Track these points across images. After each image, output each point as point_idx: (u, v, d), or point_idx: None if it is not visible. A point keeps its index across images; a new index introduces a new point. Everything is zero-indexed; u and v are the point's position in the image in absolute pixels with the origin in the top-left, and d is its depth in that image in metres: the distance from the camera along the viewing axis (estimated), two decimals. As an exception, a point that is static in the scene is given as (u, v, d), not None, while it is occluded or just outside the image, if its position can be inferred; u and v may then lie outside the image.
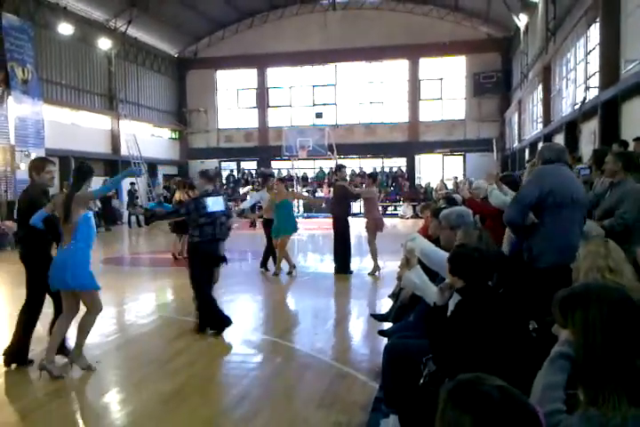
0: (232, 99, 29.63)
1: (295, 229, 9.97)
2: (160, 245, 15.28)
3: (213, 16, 26.69)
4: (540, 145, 13.03)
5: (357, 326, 6.76)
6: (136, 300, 8.30)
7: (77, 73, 22.14)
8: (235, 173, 29.35)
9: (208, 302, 6.02)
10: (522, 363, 2.30)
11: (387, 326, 5.04)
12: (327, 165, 26.61)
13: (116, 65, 24.13)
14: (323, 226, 18.14)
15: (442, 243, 3.92)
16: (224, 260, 6.83)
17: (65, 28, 20.14)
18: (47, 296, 5.07)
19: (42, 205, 4.81)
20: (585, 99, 13.20)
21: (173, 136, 29.59)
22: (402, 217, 24.14)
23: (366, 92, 28.02)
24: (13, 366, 4.93)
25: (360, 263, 10.73)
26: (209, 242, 5.96)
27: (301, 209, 25.11)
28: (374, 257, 9.72)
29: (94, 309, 4.85)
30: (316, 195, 25.70)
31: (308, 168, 28.31)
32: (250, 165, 29.69)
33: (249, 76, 29.25)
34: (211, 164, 29.23)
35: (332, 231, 10.15)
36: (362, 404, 4.06)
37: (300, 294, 8.75)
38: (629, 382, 1.53)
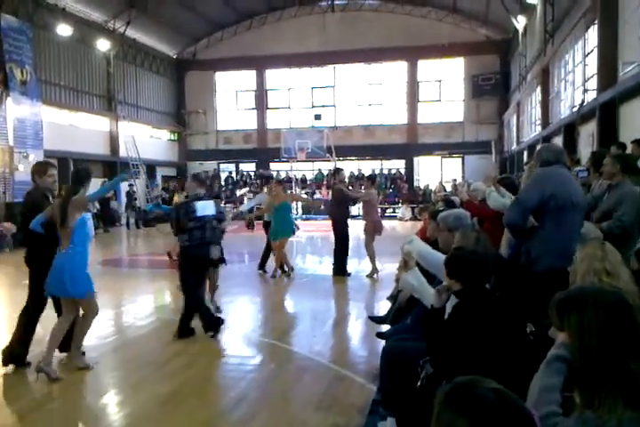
0: (231, 100, 29.64)
1: (293, 231, 9.97)
2: (158, 246, 15.26)
3: (212, 17, 26.72)
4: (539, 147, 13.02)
5: (355, 329, 6.75)
6: (134, 302, 8.30)
7: (76, 74, 22.15)
8: (233, 174, 29.35)
9: (198, 305, 6.00)
10: (519, 366, 2.30)
11: (385, 328, 5.04)
12: (326, 166, 26.62)
13: (114, 66, 24.13)
14: (321, 228, 18.14)
15: (440, 245, 3.93)
16: (222, 261, 6.83)
17: (64, 29, 20.14)
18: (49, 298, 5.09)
19: (42, 209, 4.85)
20: (583, 101, 13.23)
21: (172, 138, 29.60)
22: (400, 219, 24.15)
23: (365, 94, 28.05)
24: (11, 366, 4.93)
25: (358, 266, 10.73)
26: (198, 246, 5.94)
27: (300, 211, 25.12)
28: (372, 259, 9.71)
29: (91, 312, 4.91)
30: (315, 196, 25.70)
31: (307, 170, 28.32)
32: (248, 167, 29.70)
33: (248, 77, 29.27)
34: (209, 165, 29.29)
35: (330, 233, 10.15)
36: (359, 406, 4.06)
37: (298, 297, 8.74)
38: (625, 385, 1.54)
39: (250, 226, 19.96)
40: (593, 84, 12.77)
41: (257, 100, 29.13)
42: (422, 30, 25.89)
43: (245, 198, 22.82)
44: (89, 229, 4.89)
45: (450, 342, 2.58)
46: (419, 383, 2.90)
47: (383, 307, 6.70)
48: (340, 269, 9.77)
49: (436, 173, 27.71)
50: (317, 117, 27.46)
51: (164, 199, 21.26)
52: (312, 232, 18.29)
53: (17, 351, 4.95)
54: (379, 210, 11.86)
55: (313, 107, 28.55)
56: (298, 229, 10.28)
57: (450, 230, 3.85)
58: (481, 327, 2.53)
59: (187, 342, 5.82)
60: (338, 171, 10.65)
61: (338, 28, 25.90)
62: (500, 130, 26.92)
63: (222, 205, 24.29)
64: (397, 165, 28.30)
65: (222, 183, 28.56)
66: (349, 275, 9.80)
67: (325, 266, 10.96)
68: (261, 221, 10.84)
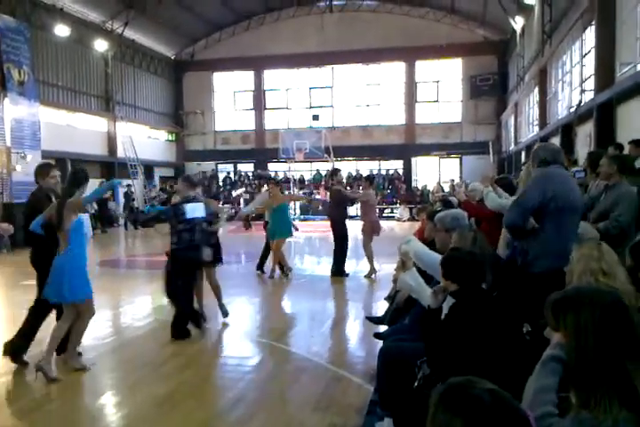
0: (229, 101, 29.64)
1: (291, 232, 9.98)
2: (156, 247, 15.24)
3: (210, 18, 26.71)
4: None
5: (353, 329, 6.76)
6: (132, 302, 8.28)
7: (74, 75, 22.13)
8: (231, 175, 29.36)
9: (186, 308, 6.00)
10: (515, 366, 2.31)
11: (383, 328, 5.05)
12: (324, 167, 26.62)
13: (112, 67, 24.12)
14: (319, 228, 18.15)
15: (437, 245, 3.93)
16: (219, 260, 6.81)
17: (61, 30, 20.12)
18: None
19: (41, 211, 4.87)
20: (580, 101, 13.25)
21: (170, 138, 29.58)
22: (398, 220, 24.16)
23: (363, 95, 28.07)
24: (7, 361, 4.97)
25: (356, 266, 10.73)
26: (187, 249, 5.92)
27: (298, 212, 25.12)
28: (370, 260, 9.72)
29: (88, 313, 4.93)
30: (313, 197, 25.70)
31: (305, 170, 28.33)
32: (246, 168, 29.69)
33: (246, 78, 29.26)
34: (207, 166, 29.29)
35: (328, 234, 10.15)
36: (357, 407, 4.06)
37: (296, 297, 8.74)
38: (621, 385, 1.54)
39: (247, 226, 20.00)
40: (590, 84, 12.80)
41: (255, 100, 29.13)
42: (420, 31, 25.92)
43: (242, 199, 22.86)
44: (86, 231, 4.90)
45: (446, 342, 2.58)
46: (416, 384, 2.90)
47: (381, 307, 6.70)
48: (338, 270, 9.78)
49: (433, 173, 27.75)
50: (315, 118, 27.47)
51: (161, 200, 21.26)
52: (310, 233, 18.29)
53: (17, 344, 5.01)
54: (377, 210, 11.85)
55: (311, 107, 28.56)
56: (297, 229, 10.28)
57: (447, 231, 3.86)
58: (477, 328, 2.54)
59: (184, 343, 5.81)
60: (335, 171, 10.59)
61: (336, 29, 25.92)
62: (498, 130, 26.95)
63: (220, 205, 24.34)
64: (395, 165, 28.30)
65: (220, 184, 28.56)
66: (347, 275, 9.80)
67: (323, 266, 10.96)
68: (262, 222, 10.83)
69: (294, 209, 23.75)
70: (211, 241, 6.38)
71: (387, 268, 9.10)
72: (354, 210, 16.87)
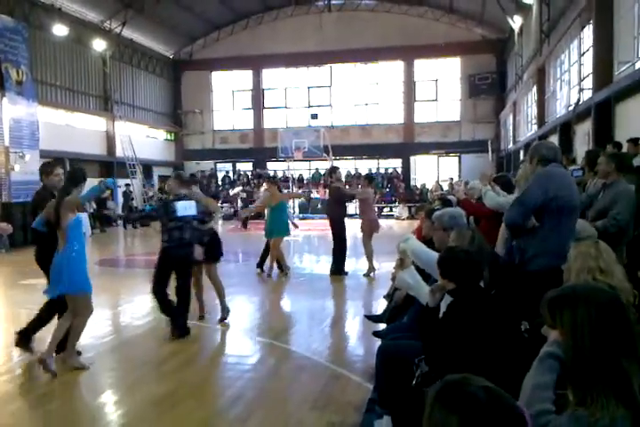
0: (227, 100, 29.63)
1: (288, 231, 9.99)
2: (155, 246, 15.23)
3: (208, 17, 26.70)
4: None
5: (352, 328, 6.76)
6: (131, 301, 8.29)
7: (72, 74, 22.11)
8: (230, 174, 29.36)
9: (165, 306, 5.95)
10: (513, 364, 2.31)
11: (382, 327, 5.05)
12: (323, 166, 26.60)
13: (110, 66, 24.10)
14: (318, 227, 18.15)
15: (435, 244, 3.94)
16: (218, 257, 6.81)
17: (59, 29, 20.10)
18: None
19: (43, 209, 4.91)
20: (579, 100, 13.26)
21: (169, 137, 29.57)
22: (397, 218, 24.18)
23: (361, 94, 28.07)
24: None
25: (356, 264, 10.74)
26: (177, 247, 5.90)
27: (297, 210, 25.12)
28: (369, 258, 9.73)
29: (86, 311, 4.94)
30: (312, 196, 25.71)
31: (304, 169, 28.33)
32: (245, 167, 29.69)
33: (244, 77, 29.25)
34: (206, 165, 29.29)
35: (327, 233, 10.16)
36: (356, 405, 4.07)
37: (295, 296, 8.75)
38: (617, 383, 1.55)
39: (244, 225, 20.02)
40: (588, 83, 12.81)
41: (253, 99, 29.13)
42: (419, 30, 25.93)
43: (239, 198, 22.86)
44: (85, 230, 4.93)
45: (444, 340, 2.59)
46: (414, 382, 2.91)
47: (380, 305, 6.71)
48: (337, 269, 9.79)
49: (432, 172, 27.76)
50: (314, 117, 27.46)
51: (160, 199, 21.24)
52: (309, 231, 18.30)
53: (27, 335, 5.18)
54: (375, 209, 11.87)
55: (310, 106, 28.56)
56: (297, 227, 10.27)
57: (445, 229, 3.87)
58: (475, 326, 2.55)
59: (183, 342, 5.82)
60: (334, 169, 10.57)
61: (334, 28, 25.92)
62: (497, 129, 26.97)
63: (219, 204, 24.30)
64: (394, 164, 28.33)
65: (219, 183, 28.55)
66: (346, 274, 9.81)
67: (322, 265, 10.96)
68: (262, 221, 10.84)
69: (293, 208, 23.75)
70: (203, 239, 6.34)
71: (386, 266, 9.10)
72: (353, 208, 16.90)
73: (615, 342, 1.59)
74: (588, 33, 13.08)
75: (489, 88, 26.54)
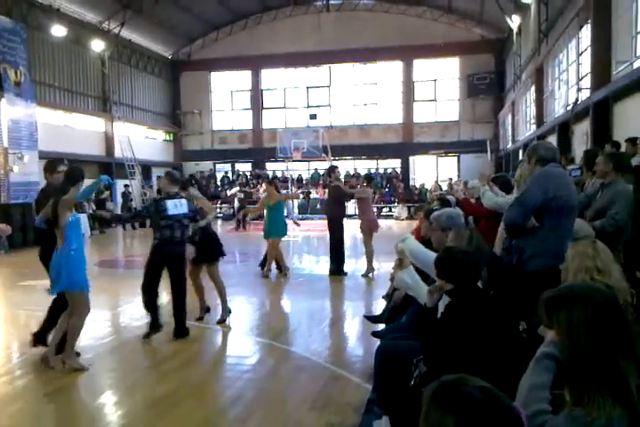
0: (226, 100, 29.64)
1: (286, 231, 9.99)
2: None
3: (207, 18, 26.70)
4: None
5: (352, 328, 6.77)
6: (130, 302, 8.27)
7: (71, 75, 22.10)
8: (229, 174, 29.35)
9: (150, 304, 5.97)
10: (511, 364, 2.32)
11: (381, 327, 5.06)
12: (322, 166, 26.62)
13: (109, 67, 24.09)
14: (317, 227, 18.15)
15: (433, 244, 3.94)
16: (217, 256, 6.81)
17: (58, 30, 20.09)
18: None
19: (43, 207, 4.95)
20: (577, 100, 13.27)
21: (167, 138, 29.56)
22: (397, 218, 24.18)
23: (360, 94, 28.09)
24: (39, 347, 5.21)
25: (355, 265, 10.74)
26: (168, 244, 5.91)
27: (296, 211, 25.11)
28: (369, 258, 9.73)
29: (83, 310, 4.95)
30: (311, 196, 25.71)
31: (303, 170, 28.33)
32: (244, 167, 29.69)
33: (243, 77, 29.25)
34: (205, 165, 29.28)
35: (327, 233, 10.15)
36: (355, 405, 4.08)
37: (294, 296, 8.75)
38: (614, 383, 1.55)
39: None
40: (587, 82, 12.82)
41: (252, 100, 29.13)
42: (417, 30, 25.94)
43: (236, 198, 22.83)
44: (83, 231, 4.95)
45: (442, 340, 2.59)
46: (412, 382, 2.91)
47: (379, 306, 6.71)
48: (336, 269, 9.79)
49: (431, 172, 27.78)
50: (313, 117, 27.47)
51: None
52: (308, 232, 18.30)
53: (42, 334, 5.27)
54: (374, 209, 11.88)
55: (308, 106, 28.56)
56: (298, 226, 10.24)
57: (443, 230, 3.87)
58: (473, 326, 2.55)
59: (183, 343, 5.82)
60: (333, 169, 10.54)
61: (333, 28, 25.92)
62: (496, 129, 26.99)
63: (218, 205, 24.20)
64: (393, 164, 28.34)
65: (218, 183, 28.54)
66: (346, 274, 9.81)
67: (322, 265, 10.96)
68: (262, 221, 10.85)
69: (293, 208, 23.73)
70: (195, 238, 6.34)
71: (385, 266, 9.11)
72: (352, 209, 16.91)
73: (612, 342, 1.59)
74: (586, 32, 13.10)
75: (487, 88, 26.56)
